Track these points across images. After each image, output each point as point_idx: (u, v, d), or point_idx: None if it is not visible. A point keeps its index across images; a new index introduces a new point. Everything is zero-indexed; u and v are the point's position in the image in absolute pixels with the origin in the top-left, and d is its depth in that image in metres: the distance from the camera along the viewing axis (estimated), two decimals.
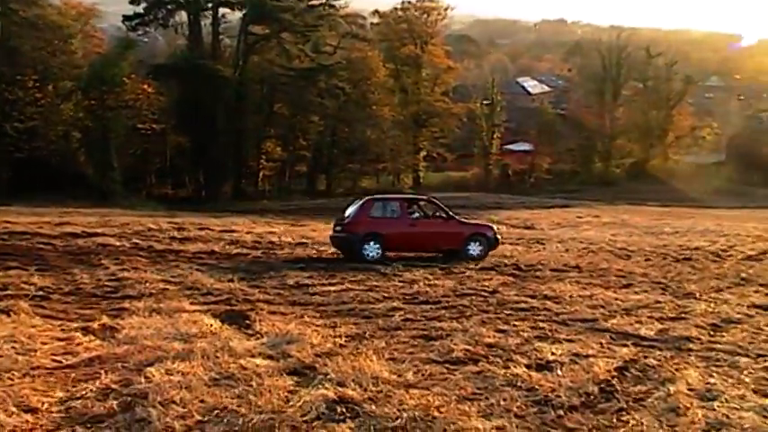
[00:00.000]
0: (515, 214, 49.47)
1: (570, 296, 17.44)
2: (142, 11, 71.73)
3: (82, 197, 52.73)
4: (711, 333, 13.41)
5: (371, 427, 8.28)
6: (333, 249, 26.51)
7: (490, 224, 27.99)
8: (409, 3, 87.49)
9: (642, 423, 8.46)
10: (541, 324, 14.02)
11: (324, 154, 78.69)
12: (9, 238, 27.59)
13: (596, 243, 30.90)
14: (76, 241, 27.39)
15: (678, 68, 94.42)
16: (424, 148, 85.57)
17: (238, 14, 74.42)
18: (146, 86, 67.91)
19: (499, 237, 26.55)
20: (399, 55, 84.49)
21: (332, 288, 18.55)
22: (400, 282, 19.65)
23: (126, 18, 72.12)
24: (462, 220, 26.85)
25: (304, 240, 30.18)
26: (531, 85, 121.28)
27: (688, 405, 8.97)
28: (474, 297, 17.26)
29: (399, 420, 8.41)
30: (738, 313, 15.51)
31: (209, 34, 73.90)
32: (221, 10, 73.86)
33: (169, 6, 72.20)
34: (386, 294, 17.57)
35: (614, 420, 8.60)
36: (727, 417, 8.62)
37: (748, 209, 61.86)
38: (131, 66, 67.90)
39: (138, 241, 27.74)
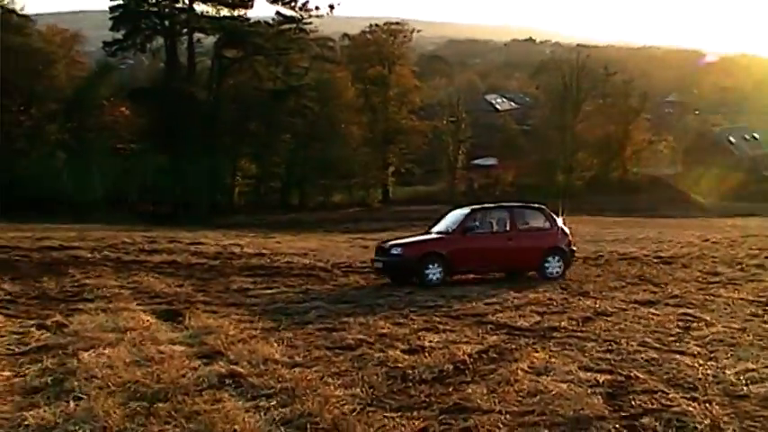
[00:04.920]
0: None
1: (476, 295, 19.27)
2: (121, 37, 73.95)
3: (66, 214, 54.38)
4: (579, 324, 14.97)
5: (248, 394, 10.07)
6: (286, 259, 28.52)
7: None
8: (377, 26, 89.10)
9: (476, 391, 10.07)
10: (435, 318, 15.89)
11: (296, 170, 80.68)
12: None
13: None
14: (51, 254, 29.09)
15: (637, 85, 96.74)
16: (392, 163, 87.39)
17: (213, 39, 76.85)
18: (124, 109, 69.84)
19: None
20: (367, 75, 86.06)
21: (268, 291, 20.59)
22: (333, 285, 21.69)
23: (106, 44, 74.59)
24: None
25: (263, 251, 31.83)
26: (499, 102, 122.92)
27: (520, 378, 10.58)
28: (390, 297, 19.16)
29: (272, 390, 10.18)
30: (614, 308, 17.00)
31: (186, 58, 76.36)
32: (196, 35, 76.48)
33: (146, 32, 74.66)
34: (314, 296, 19.47)
35: (451, 389, 10.23)
36: (546, 386, 10.14)
37: (697, 218, 63.88)
38: (110, 89, 69.88)
39: (108, 253, 29.43)
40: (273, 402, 9.70)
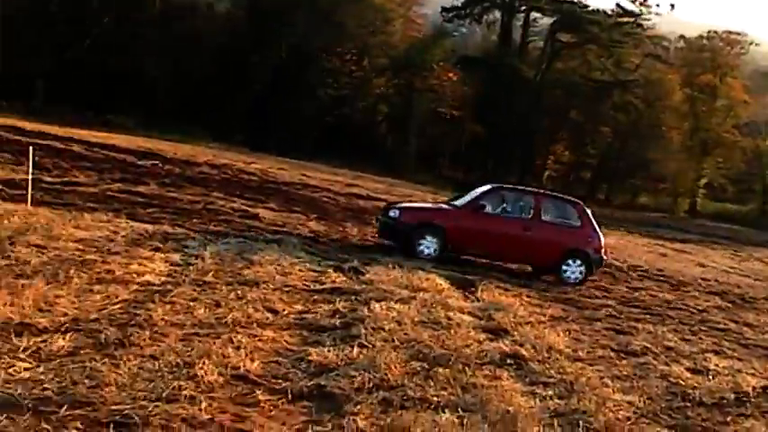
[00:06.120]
0: None
1: None
2: (460, 5, 75.57)
3: (377, 166, 56.00)
4: None
5: (526, 378, 10.14)
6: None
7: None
8: (715, 33, 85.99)
9: (755, 426, 9.77)
10: (725, 342, 15.19)
11: (608, 165, 79.44)
12: (302, 188, 31.15)
13: None
14: (358, 201, 30.43)
15: None
16: (705, 175, 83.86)
17: (548, 20, 76.56)
18: (452, 75, 70.87)
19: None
20: (697, 82, 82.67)
21: None
22: (627, 288, 21.12)
23: (444, 9, 75.99)
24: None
25: None
26: None
27: None
28: (682, 311, 18.48)
29: (552, 379, 10.22)
30: None
31: (519, 35, 76.76)
32: (533, 14, 76.66)
33: (485, 4, 75.66)
34: (607, 294, 19.18)
35: (729, 419, 9.91)
36: None
37: None
38: (443, 54, 70.90)
39: None
40: (551, 392, 9.71)
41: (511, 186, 23.53)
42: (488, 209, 20.68)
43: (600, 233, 21.37)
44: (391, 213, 20.39)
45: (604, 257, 21.60)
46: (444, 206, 22.18)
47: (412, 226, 19.79)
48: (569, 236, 21.05)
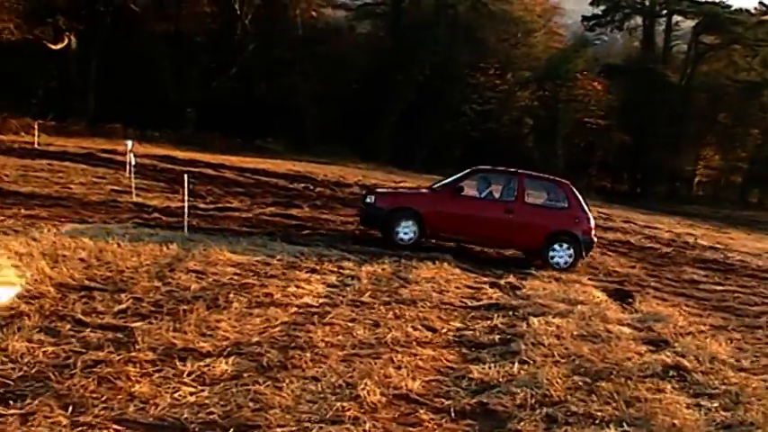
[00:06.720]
0: None
1: None
2: (600, 13, 75.05)
3: None
4: None
5: (690, 390, 9.94)
6: (739, 257, 27.50)
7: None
8: None
9: None
10: None
11: (759, 167, 76.67)
12: None
13: None
14: None
15: None
16: None
17: (691, 23, 75.21)
18: (596, 84, 70.21)
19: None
20: None
21: (719, 288, 19.81)
22: None
23: (585, 18, 75.60)
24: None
25: (717, 245, 30.78)
26: None
27: None
28: None
29: (717, 390, 9.98)
30: None
31: (661, 40, 75.83)
32: (675, 17, 75.40)
33: (626, 10, 75.13)
34: (766, 300, 18.58)
35: None
36: None
37: None
38: (585, 63, 70.35)
39: None
40: (716, 404, 9.51)
41: (491, 168, 22.26)
42: (468, 192, 20.10)
43: (589, 214, 20.43)
44: (367, 200, 20.18)
45: (594, 239, 20.67)
46: (422, 190, 22.13)
47: (388, 211, 19.49)
48: (555, 218, 20.21)
